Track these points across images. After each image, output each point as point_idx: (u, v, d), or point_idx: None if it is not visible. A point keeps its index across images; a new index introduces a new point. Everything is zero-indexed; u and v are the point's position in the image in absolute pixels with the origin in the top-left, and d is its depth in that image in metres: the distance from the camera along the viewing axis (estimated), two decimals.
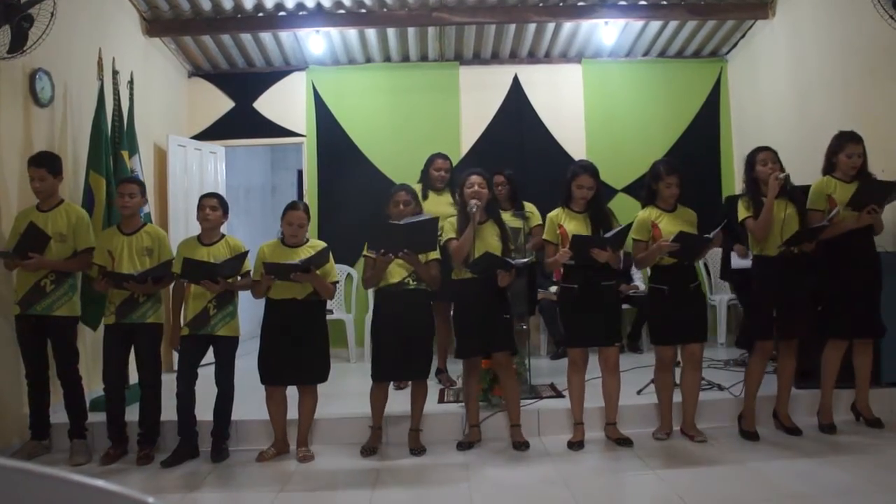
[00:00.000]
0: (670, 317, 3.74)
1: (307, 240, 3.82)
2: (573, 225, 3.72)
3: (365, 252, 3.74)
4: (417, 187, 4.84)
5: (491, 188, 3.83)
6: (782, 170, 3.70)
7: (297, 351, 3.66)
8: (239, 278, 3.80)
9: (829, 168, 3.83)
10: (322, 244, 3.78)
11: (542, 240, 3.94)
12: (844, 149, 3.74)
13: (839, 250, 3.75)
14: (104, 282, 3.69)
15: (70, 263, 3.81)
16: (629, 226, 3.73)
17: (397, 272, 3.70)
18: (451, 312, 4.47)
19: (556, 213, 3.82)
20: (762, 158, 3.74)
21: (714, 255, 6.00)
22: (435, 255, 3.72)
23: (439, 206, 4.68)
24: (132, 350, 3.84)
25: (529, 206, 4.85)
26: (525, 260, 3.74)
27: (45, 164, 3.77)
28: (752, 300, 3.92)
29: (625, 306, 5.70)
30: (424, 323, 3.81)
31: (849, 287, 3.73)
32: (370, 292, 3.82)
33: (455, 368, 4.73)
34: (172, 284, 3.87)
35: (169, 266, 3.83)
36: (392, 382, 4.15)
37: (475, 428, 3.86)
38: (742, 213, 3.78)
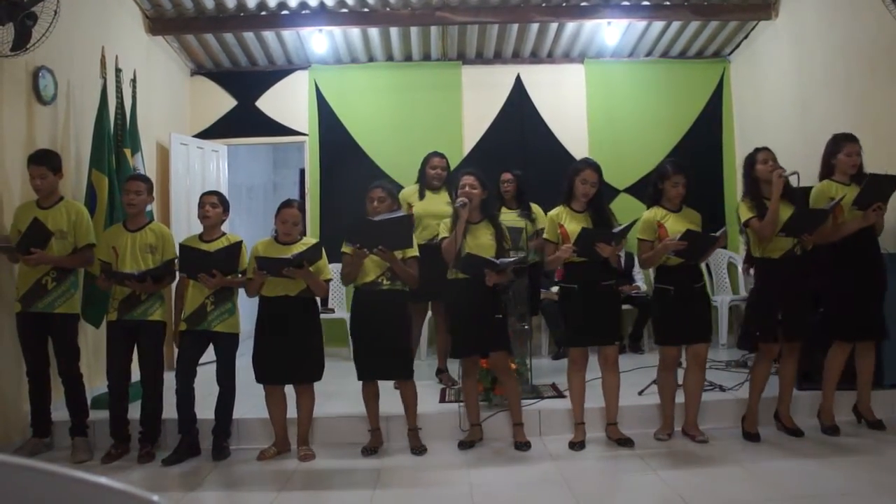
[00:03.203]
0: (676, 317, 3.73)
1: (301, 237, 3.82)
2: (574, 224, 3.71)
3: (343, 248, 3.73)
4: (415, 187, 4.83)
5: (487, 188, 3.80)
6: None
7: (291, 349, 3.66)
8: (240, 276, 3.79)
9: (827, 172, 3.81)
10: (315, 240, 3.78)
11: (542, 239, 3.93)
12: (843, 149, 3.73)
13: (842, 251, 3.74)
14: (105, 279, 3.71)
15: (71, 259, 3.81)
16: (634, 222, 3.75)
17: (372, 270, 3.69)
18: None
19: (556, 213, 3.81)
20: (762, 157, 3.74)
21: (717, 255, 6.00)
22: (413, 252, 3.71)
23: (436, 205, 4.64)
24: (135, 347, 3.84)
25: (536, 208, 4.85)
26: (512, 259, 3.69)
27: (46, 162, 3.77)
28: (755, 302, 3.90)
29: (626, 307, 5.70)
30: (398, 322, 3.76)
31: (852, 288, 3.72)
32: None
33: (455, 368, 4.73)
34: (175, 281, 3.87)
35: (170, 265, 3.83)
36: (393, 382, 4.14)
37: (476, 427, 3.86)
38: (745, 213, 3.75)
